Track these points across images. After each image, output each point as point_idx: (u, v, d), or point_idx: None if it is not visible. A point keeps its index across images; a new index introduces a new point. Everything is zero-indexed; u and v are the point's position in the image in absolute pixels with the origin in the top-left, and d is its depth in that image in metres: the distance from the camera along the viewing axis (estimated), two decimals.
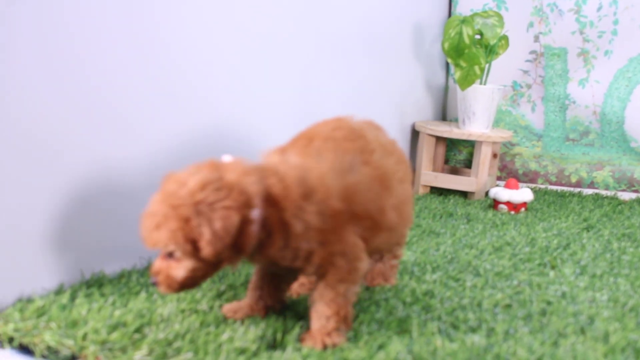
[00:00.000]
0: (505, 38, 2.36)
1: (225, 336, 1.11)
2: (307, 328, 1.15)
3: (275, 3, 1.75)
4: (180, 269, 1.04)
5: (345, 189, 1.09)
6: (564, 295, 1.39)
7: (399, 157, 1.26)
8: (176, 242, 1.01)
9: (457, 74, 2.30)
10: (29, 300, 1.22)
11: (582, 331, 1.20)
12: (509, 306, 1.32)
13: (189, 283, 1.06)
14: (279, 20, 1.77)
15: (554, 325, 1.22)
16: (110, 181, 1.37)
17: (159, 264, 1.06)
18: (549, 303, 1.34)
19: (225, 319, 1.19)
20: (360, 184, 1.12)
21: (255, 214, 1.02)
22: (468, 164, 2.64)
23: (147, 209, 1.03)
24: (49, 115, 1.23)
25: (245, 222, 1.01)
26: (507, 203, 2.16)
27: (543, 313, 1.29)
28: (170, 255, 1.04)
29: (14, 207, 1.20)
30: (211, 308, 1.23)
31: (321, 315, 1.12)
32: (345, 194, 1.09)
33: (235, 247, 1.02)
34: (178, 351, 1.07)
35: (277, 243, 1.05)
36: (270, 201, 1.04)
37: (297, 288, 1.32)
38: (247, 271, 1.43)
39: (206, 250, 0.99)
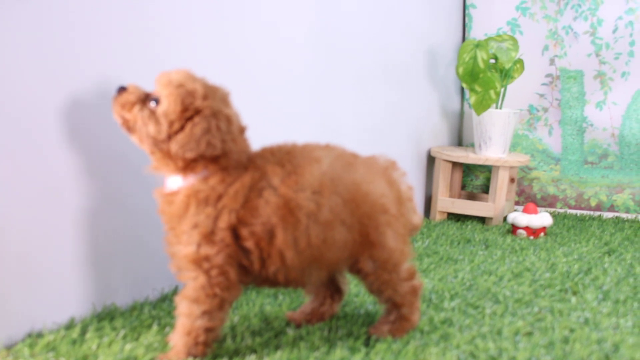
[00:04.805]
0: (520, 62, 2.34)
1: None
2: (322, 359, 1.12)
3: (291, 30, 1.74)
4: None
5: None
6: (586, 321, 1.36)
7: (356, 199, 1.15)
8: None
9: (472, 98, 2.28)
10: (39, 335, 1.20)
11: (607, 359, 1.17)
12: (530, 334, 1.28)
13: None
14: (294, 47, 1.76)
15: (578, 353, 1.18)
16: (120, 213, 1.36)
17: None
18: (571, 330, 1.31)
19: (237, 352, 1.16)
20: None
21: None
22: (485, 189, 2.61)
23: None
24: (52, 150, 1.23)
25: None
26: (526, 228, 2.12)
27: (565, 341, 1.25)
28: None
29: (24, 240, 1.19)
30: (224, 339, 1.20)
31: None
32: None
33: None
34: None
35: None
36: None
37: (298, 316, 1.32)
38: (261, 301, 1.40)
39: None
